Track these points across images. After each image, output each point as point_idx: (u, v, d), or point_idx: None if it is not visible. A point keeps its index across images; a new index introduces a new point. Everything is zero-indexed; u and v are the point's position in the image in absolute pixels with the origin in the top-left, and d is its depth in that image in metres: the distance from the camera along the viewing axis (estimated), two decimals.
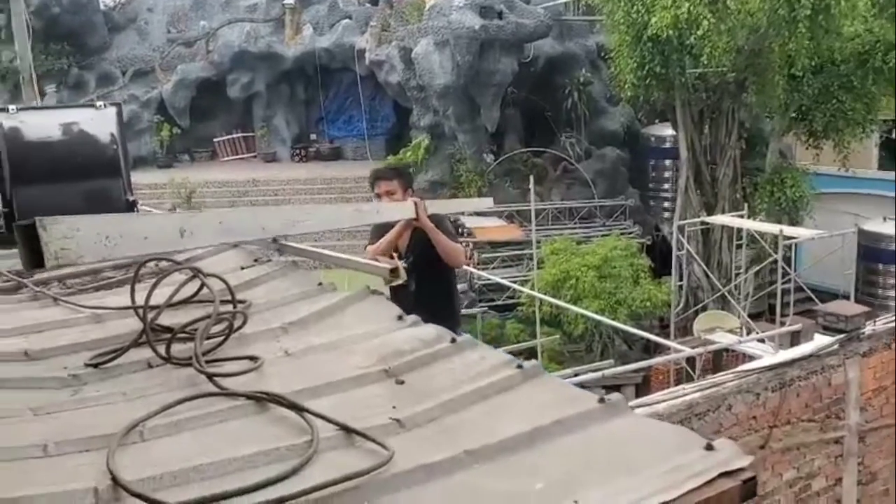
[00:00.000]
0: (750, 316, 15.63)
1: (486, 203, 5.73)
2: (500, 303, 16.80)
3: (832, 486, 7.10)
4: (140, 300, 2.70)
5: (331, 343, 2.52)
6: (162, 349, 2.45)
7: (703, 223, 16.31)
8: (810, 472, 6.94)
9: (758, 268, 16.62)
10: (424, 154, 20.59)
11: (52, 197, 4.33)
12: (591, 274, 15.00)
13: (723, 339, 14.24)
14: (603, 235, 18.28)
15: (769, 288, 16.29)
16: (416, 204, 4.31)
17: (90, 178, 4.41)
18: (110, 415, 2.10)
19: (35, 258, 2.34)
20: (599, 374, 14.14)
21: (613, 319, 14.57)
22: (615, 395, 1.95)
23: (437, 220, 4.51)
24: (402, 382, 2.23)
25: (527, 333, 15.69)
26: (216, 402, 2.10)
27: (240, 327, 2.65)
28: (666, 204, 21.25)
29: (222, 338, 2.58)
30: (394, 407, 2.07)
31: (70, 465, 1.81)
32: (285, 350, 2.48)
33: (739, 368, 7.48)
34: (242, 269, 3.54)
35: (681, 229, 15.40)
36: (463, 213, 19.39)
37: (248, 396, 2.10)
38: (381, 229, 4.70)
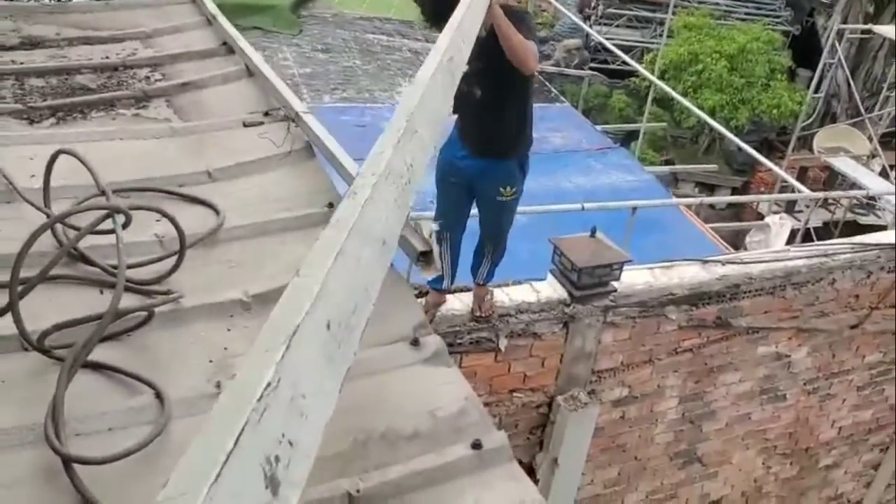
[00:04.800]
0: (883, 139, 13.91)
1: None
2: (613, 67, 15.18)
3: None
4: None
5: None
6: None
7: (865, 31, 13.98)
8: None
9: None
10: None
11: None
12: (721, 63, 13.29)
13: (843, 166, 12.84)
14: (747, 13, 16.07)
15: None
16: None
17: None
18: None
19: None
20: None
21: (732, 119, 13.17)
22: None
23: (518, 14, 3.44)
24: None
25: (632, 108, 14.35)
26: None
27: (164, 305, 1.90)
28: None
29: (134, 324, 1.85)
30: None
31: None
32: (210, 378, 1.72)
33: (857, 239, 6.56)
34: (245, 125, 2.68)
35: (839, 34, 13.25)
36: None
37: None
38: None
